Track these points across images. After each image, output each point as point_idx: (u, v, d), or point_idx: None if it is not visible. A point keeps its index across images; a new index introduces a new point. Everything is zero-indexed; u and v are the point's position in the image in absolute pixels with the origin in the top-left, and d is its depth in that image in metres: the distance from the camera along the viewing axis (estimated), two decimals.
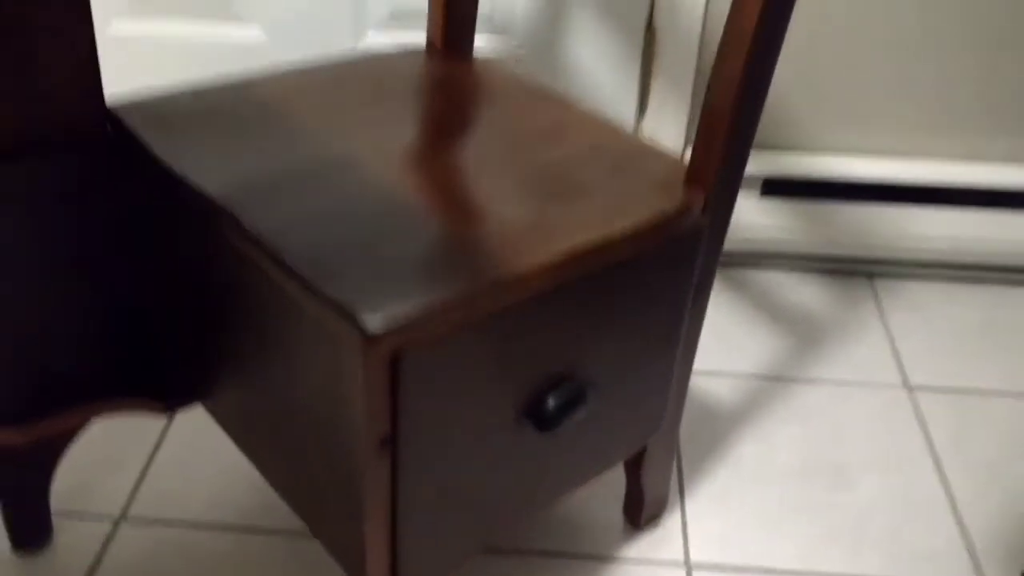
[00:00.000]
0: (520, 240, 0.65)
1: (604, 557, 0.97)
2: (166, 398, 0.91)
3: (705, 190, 0.75)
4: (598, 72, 1.27)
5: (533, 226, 0.67)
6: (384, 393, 0.60)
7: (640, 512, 0.99)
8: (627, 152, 0.80)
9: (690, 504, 1.03)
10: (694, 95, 1.26)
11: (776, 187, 1.29)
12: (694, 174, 0.76)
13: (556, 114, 0.86)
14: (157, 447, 1.06)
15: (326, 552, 0.86)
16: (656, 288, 0.76)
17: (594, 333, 0.73)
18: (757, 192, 1.30)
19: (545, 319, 0.67)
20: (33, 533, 0.94)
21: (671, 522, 1.01)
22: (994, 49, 1.22)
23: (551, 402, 0.72)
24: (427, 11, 0.99)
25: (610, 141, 0.82)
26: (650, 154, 0.81)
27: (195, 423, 1.09)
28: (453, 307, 0.60)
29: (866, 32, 1.21)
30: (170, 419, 1.09)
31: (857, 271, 1.39)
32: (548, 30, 1.24)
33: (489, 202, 0.70)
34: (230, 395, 0.80)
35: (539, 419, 0.72)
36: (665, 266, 0.75)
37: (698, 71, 1.24)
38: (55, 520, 0.97)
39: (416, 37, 1.26)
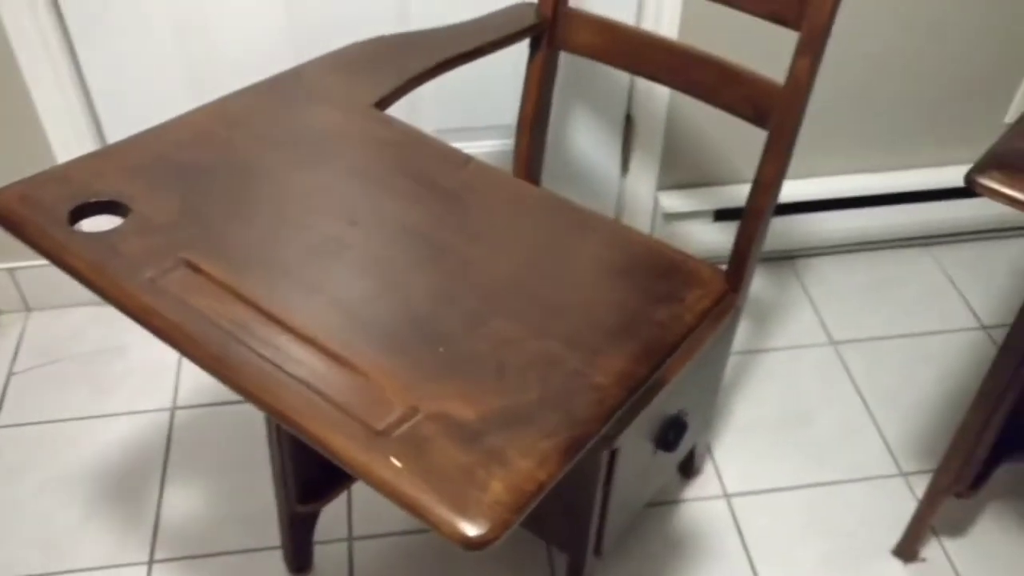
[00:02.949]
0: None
1: (673, 501, 1.50)
2: None
3: (738, 290, 1.25)
4: (591, 148, 1.73)
5: None
6: (607, 462, 1.09)
7: (690, 468, 1.51)
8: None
9: (717, 454, 1.57)
10: (662, 161, 1.74)
11: (722, 214, 1.80)
12: (732, 281, 1.25)
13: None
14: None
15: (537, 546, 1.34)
16: (715, 353, 1.26)
17: (688, 387, 1.23)
18: (711, 219, 1.80)
19: (670, 394, 1.17)
20: (305, 560, 1.39)
21: (708, 470, 1.54)
22: (863, 91, 1.74)
23: (671, 435, 1.22)
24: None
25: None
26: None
27: None
28: (641, 412, 1.08)
29: None
30: None
31: (782, 257, 1.93)
32: (552, 122, 1.69)
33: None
34: None
35: (665, 446, 1.22)
36: (721, 340, 1.25)
37: (664, 146, 1.72)
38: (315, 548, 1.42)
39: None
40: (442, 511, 0.63)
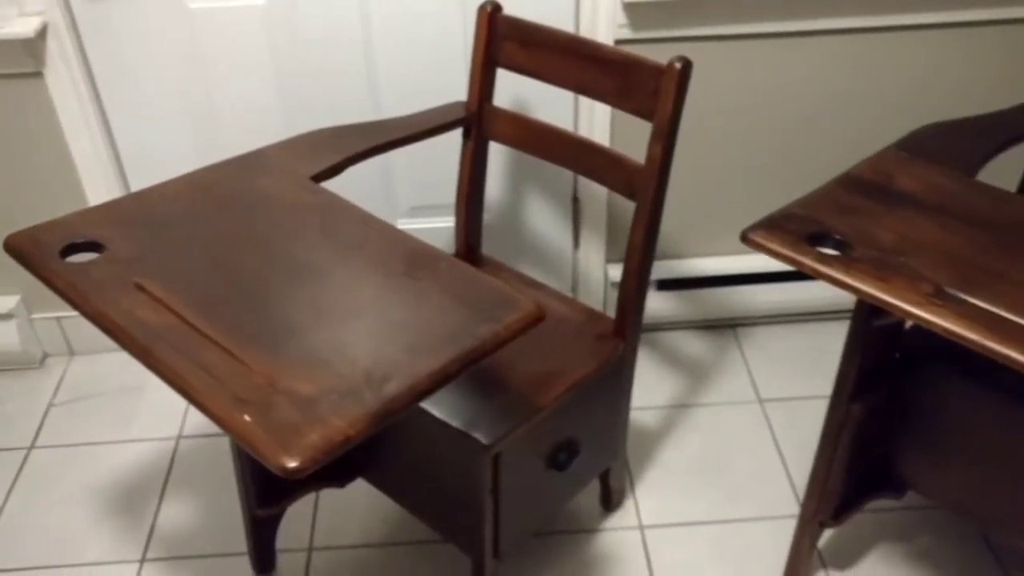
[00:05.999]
0: (542, 383, 1.38)
1: (592, 529, 1.71)
2: (341, 479, 1.61)
3: (626, 338, 1.49)
4: (546, 225, 2.00)
5: (547, 374, 1.40)
6: (491, 469, 1.32)
7: (610, 501, 1.72)
8: (581, 319, 1.54)
9: (638, 491, 1.77)
10: (608, 237, 2.00)
11: (665, 284, 2.04)
12: (619, 329, 1.49)
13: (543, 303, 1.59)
14: (316, 502, 1.76)
15: (443, 549, 1.57)
16: (608, 388, 1.50)
17: (580, 417, 1.46)
18: (655, 288, 2.04)
19: (557, 418, 1.40)
20: (267, 563, 1.63)
21: (628, 504, 1.75)
22: (795, 184, 1.98)
23: (562, 456, 1.45)
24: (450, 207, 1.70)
25: (570, 312, 1.55)
26: (594, 317, 1.54)
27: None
28: (521, 427, 1.32)
29: (717, 174, 1.96)
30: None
31: (726, 324, 2.14)
32: (510, 203, 1.97)
33: (513, 365, 1.43)
34: (389, 470, 1.51)
35: (557, 466, 1.45)
36: (611, 377, 1.49)
37: (608, 221, 1.98)
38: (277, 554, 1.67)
39: (430, 223, 1.97)
40: (271, 449, 0.89)
